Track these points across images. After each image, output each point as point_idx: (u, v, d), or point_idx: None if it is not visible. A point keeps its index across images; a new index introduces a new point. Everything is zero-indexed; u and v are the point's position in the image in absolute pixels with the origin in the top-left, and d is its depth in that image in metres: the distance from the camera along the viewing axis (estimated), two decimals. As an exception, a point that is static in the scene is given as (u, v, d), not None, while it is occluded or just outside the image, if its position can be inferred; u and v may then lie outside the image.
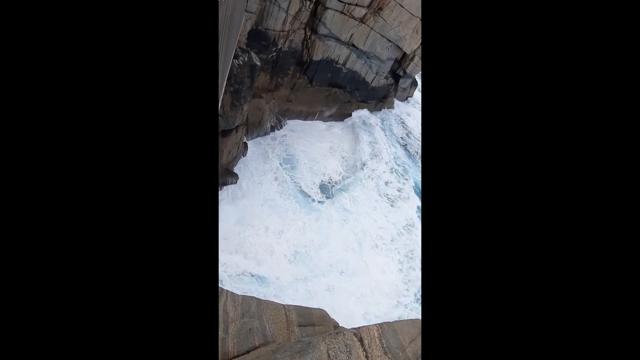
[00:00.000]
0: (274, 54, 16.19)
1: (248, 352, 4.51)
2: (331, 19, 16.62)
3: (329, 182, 16.96)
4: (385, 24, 18.17)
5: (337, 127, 20.43)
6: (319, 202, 15.69)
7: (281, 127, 18.26)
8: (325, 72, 18.60)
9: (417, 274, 14.56)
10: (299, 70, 17.85)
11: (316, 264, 13.34)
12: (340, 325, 5.49)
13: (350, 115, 21.14)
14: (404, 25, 18.75)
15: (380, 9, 17.53)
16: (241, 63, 11.69)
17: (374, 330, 4.06)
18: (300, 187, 15.89)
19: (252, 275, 12.14)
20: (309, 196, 15.69)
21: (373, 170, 18.78)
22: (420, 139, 23.03)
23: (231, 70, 11.35)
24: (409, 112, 24.96)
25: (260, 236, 13.18)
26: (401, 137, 22.60)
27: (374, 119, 22.01)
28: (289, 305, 5.45)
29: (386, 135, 21.69)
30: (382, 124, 22.24)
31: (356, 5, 16.71)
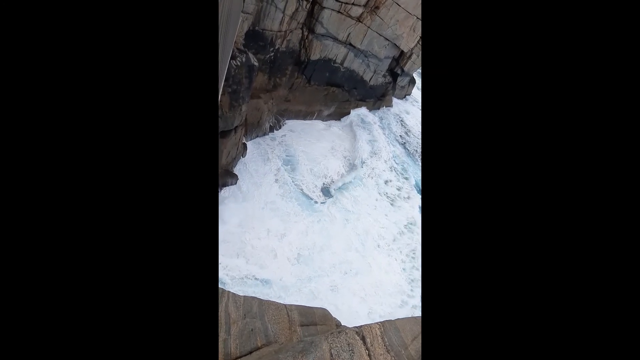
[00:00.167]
0: (272, 54, 16.18)
1: (250, 352, 4.51)
2: (328, 19, 16.61)
3: (330, 182, 16.93)
4: (382, 23, 18.17)
5: (336, 126, 20.43)
6: (320, 203, 15.66)
7: (280, 127, 18.26)
8: (323, 72, 18.60)
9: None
10: (296, 70, 17.84)
11: (319, 266, 13.34)
12: (342, 324, 5.49)
13: (349, 113, 21.14)
14: (401, 24, 18.75)
15: (377, 7, 17.53)
16: (239, 64, 11.69)
17: (376, 329, 4.06)
18: (301, 189, 15.85)
19: (256, 279, 12.14)
20: (311, 198, 15.64)
21: (373, 169, 18.79)
22: (419, 137, 23.03)
23: (229, 71, 11.35)
24: (408, 110, 24.97)
25: (262, 239, 13.17)
26: (400, 136, 22.60)
27: (372, 117, 22.00)
28: (291, 305, 5.45)
29: (385, 134, 21.69)
30: (380, 123, 22.23)
31: (353, 4, 16.71)
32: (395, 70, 22.17)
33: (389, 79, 22.44)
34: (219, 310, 5.09)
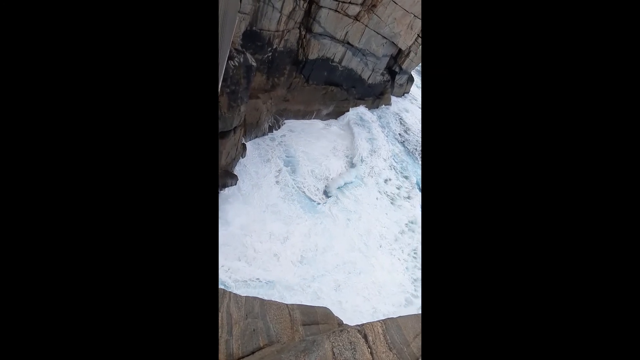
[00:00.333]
0: (270, 54, 16.17)
1: (253, 352, 4.50)
2: (325, 18, 16.59)
3: (331, 182, 16.88)
4: (380, 21, 18.15)
5: (335, 126, 20.41)
6: (322, 204, 15.61)
7: (279, 127, 18.24)
8: (322, 71, 18.58)
9: (425, 272, 14.51)
10: (295, 69, 17.83)
11: (323, 266, 13.34)
12: (344, 323, 5.49)
13: (348, 112, 21.11)
14: (398, 22, 18.73)
15: (374, 6, 17.51)
16: (237, 64, 11.67)
17: (378, 327, 4.06)
18: (303, 190, 15.78)
19: (260, 280, 12.13)
20: (313, 200, 15.58)
21: (372, 167, 18.76)
22: (418, 135, 22.99)
23: (227, 71, 11.33)
24: (407, 109, 24.93)
25: (264, 242, 13.14)
26: (399, 134, 22.56)
27: (371, 116, 21.97)
28: (293, 304, 5.45)
29: (384, 132, 21.66)
30: (379, 121, 22.20)
31: (350, 3, 16.69)
32: (394, 68, 22.14)
33: (387, 77, 22.41)
34: (221, 311, 5.09)
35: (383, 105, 23.24)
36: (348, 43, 18.23)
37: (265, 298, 5.56)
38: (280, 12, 14.99)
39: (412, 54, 21.30)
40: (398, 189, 18.57)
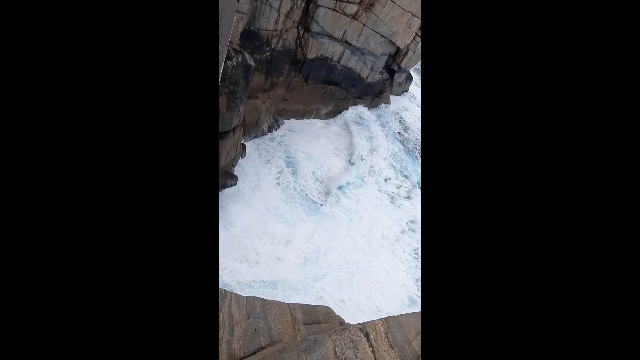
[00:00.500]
0: (268, 53, 16.15)
1: (255, 352, 4.50)
2: (323, 17, 16.57)
3: (332, 182, 16.84)
4: (378, 20, 18.14)
5: (334, 125, 20.39)
6: (323, 204, 15.56)
7: (278, 127, 18.22)
8: (320, 70, 18.57)
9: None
10: (293, 69, 17.81)
11: (326, 267, 13.35)
12: (346, 322, 5.49)
13: (347, 110, 21.09)
14: (396, 20, 18.71)
15: (372, 4, 17.50)
16: (235, 64, 11.66)
17: (380, 325, 4.05)
18: (304, 192, 15.71)
19: (263, 281, 12.14)
20: (315, 202, 15.53)
21: (372, 166, 18.74)
22: (418, 134, 22.97)
23: (225, 71, 11.32)
24: (406, 107, 24.90)
25: (267, 245, 13.12)
26: (398, 133, 22.53)
27: (370, 115, 21.94)
28: (294, 304, 5.44)
29: (383, 131, 21.64)
30: (379, 120, 22.18)
31: (348, 2, 16.68)
32: (392, 67, 22.14)
33: (386, 75, 22.41)
34: (222, 311, 5.08)
35: (382, 104, 23.23)
36: (346, 42, 18.21)
37: (268, 299, 5.56)
38: (278, 11, 14.97)
39: (410, 53, 21.29)
40: (398, 188, 18.55)
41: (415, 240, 15.93)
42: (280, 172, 16.10)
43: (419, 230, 16.35)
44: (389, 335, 3.96)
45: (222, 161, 13.58)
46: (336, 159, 18.36)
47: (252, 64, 12.45)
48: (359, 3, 17.08)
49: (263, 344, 4.58)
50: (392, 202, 17.61)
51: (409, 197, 18.21)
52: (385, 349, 3.83)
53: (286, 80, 17.89)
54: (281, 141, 17.71)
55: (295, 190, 15.55)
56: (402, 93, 25.68)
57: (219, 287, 5.60)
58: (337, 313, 5.61)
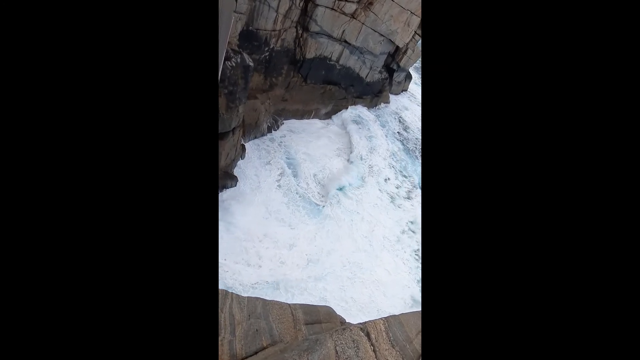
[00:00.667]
0: (267, 53, 16.14)
1: (256, 353, 4.50)
2: (322, 16, 16.56)
3: (333, 183, 16.81)
4: (377, 19, 18.12)
5: (334, 125, 20.38)
6: (325, 206, 15.54)
7: (278, 128, 18.21)
8: (319, 70, 18.56)
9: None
10: (292, 69, 17.80)
11: (328, 268, 13.36)
12: (347, 321, 5.49)
13: (347, 109, 21.07)
14: (395, 19, 18.70)
15: (371, 3, 17.48)
16: (234, 64, 11.66)
17: (380, 324, 4.05)
18: (308, 196, 15.66)
19: (267, 282, 12.15)
20: (317, 204, 15.49)
21: (371, 166, 18.73)
22: (417, 133, 22.93)
23: (225, 72, 11.32)
24: (406, 106, 24.88)
25: (270, 249, 13.11)
26: (398, 132, 22.50)
27: (370, 114, 21.92)
28: (295, 304, 5.44)
29: (383, 131, 21.61)
30: (378, 120, 22.16)
31: (346, 1, 16.66)
32: (391, 66, 22.12)
33: (385, 75, 22.39)
34: (224, 312, 5.08)
35: (382, 104, 23.21)
36: (345, 41, 18.20)
37: (269, 299, 5.56)
38: (277, 11, 14.96)
39: (409, 51, 21.27)
40: (397, 188, 18.53)
41: (414, 241, 15.93)
42: (281, 174, 16.05)
43: (419, 230, 16.35)
44: (390, 335, 3.96)
45: (222, 162, 13.58)
46: (337, 159, 18.34)
47: (251, 64, 12.45)
48: (358, 2, 17.06)
49: (264, 344, 4.59)
50: (392, 202, 17.60)
51: (409, 198, 18.19)
52: (387, 348, 3.83)
53: (285, 81, 17.88)
54: (281, 142, 17.68)
55: (297, 193, 15.50)
56: (402, 92, 25.66)
57: (222, 289, 5.61)
58: (339, 314, 5.61)
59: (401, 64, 21.94)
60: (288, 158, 17.01)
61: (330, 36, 17.56)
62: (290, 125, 18.67)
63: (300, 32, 16.92)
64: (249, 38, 14.87)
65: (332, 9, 16.59)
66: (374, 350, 3.78)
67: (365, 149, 19.46)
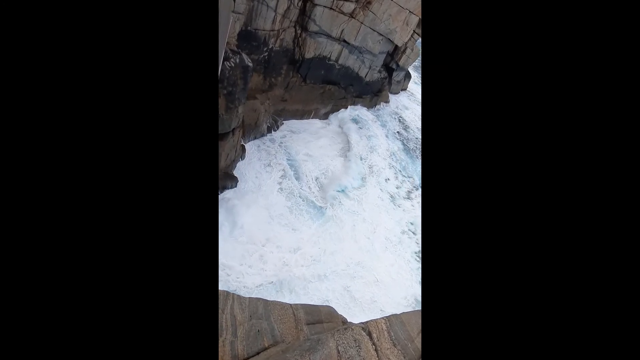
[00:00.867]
0: (266, 54, 16.13)
1: (258, 353, 4.50)
2: (321, 16, 16.55)
3: (334, 184, 16.78)
4: (375, 18, 18.11)
5: (334, 125, 20.36)
6: (328, 207, 15.53)
7: (278, 128, 18.20)
8: (319, 70, 18.55)
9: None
10: (292, 69, 17.79)
11: (331, 269, 13.37)
12: (348, 321, 5.49)
13: (346, 109, 21.05)
14: (394, 18, 18.69)
15: (369, 2, 17.47)
16: (233, 65, 11.65)
17: (382, 324, 4.05)
18: (310, 199, 15.60)
19: (272, 282, 12.16)
20: (321, 206, 15.46)
21: (371, 167, 18.71)
22: (417, 133, 22.89)
23: (224, 72, 11.31)
24: (406, 105, 24.87)
25: (274, 253, 13.10)
26: (397, 132, 22.47)
27: (369, 114, 21.89)
28: (296, 304, 5.44)
29: (382, 131, 21.59)
30: (378, 119, 22.14)
31: (345, 0, 16.64)
32: (391, 65, 22.11)
33: (384, 74, 22.38)
34: (225, 312, 5.08)
35: (382, 103, 23.20)
36: (344, 41, 18.19)
37: (271, 299, 5.56)
38: (275, 11, 14.95)
39: (408, 50, 21.27)
40: (397, 188, 18.51)
41: (414, 242, 15.93)
42: (282, 176, 15.99)
43: (419, 232, 16.36)
44: (392, 334, 3.96)
45: (222, 163, 13.58)
46: (338, 159, 18.33)
47: (250, 64, 12.44)
48: (356, 1, 17.05)
49: (266, 345, 4.58)
50: (393, 202, 17.59)
51: (409, 198, 18.17)
52: (388, 347, 3.83)
53: (285, 81, 17.87)
54: (281, 142, 17.65)
55: (300, 197, 15.46)
56: (401, 91, 25.66)
57: (223, 290, 5.60)
58: (342, 314, 5.61)
59: (400, 63, 21.93)
60: (289, 159, 16.98)
61: (329, 36, 17.55)
62: (290, 125, 18.65)
63: (299, 31, 16.92)
64: (248, 38, 14.86)
65: (331, 8, 16.58)
66: (376, 350, 3.78)
67: (365, 148, 19.44)
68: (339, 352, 3.70)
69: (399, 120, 23.32)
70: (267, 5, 14.51)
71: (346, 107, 21.04)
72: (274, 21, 15.25)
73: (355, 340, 3.83)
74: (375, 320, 4.15)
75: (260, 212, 14.10)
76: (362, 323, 4.21)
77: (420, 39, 20.77)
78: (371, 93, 22.31)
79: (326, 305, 5.71)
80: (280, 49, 16.66)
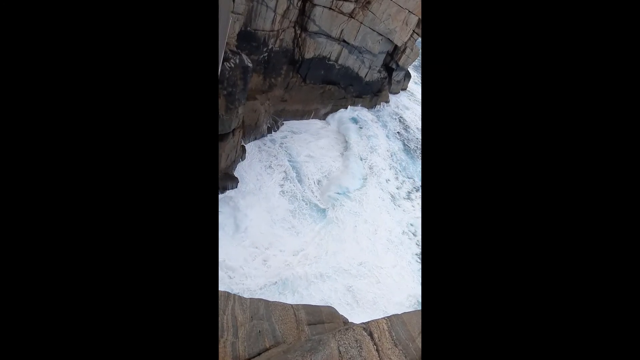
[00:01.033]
0: (266, 54, 16.14)
1: (259, 354, 4.49)
2: (320, 16, 16.56)
3: (335, 185, 16.75)
4: (375, 18, 18.12)
5: (334, 125, 20.37)
6: (328, 208, 15.52)
7: (278, 128, 18.21)
8: (318, 70, 18.55)
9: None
10: (291, 69, 17.80)
11: (333, 269, 13.38)
12: (349, 321, 5.48)
13: (346, 109, 21.05)
14: (394, 18, 18.69)
15: (369, 2, 17.48)
16: (233, 65, 11.65)
17: (383, 324, 4.05)
18: (312, 202, 15.58)
19: (276, 283, 12.18)
20: (323, 208, 15.46)
21: (371, 167, 18.70)
22: (417, 133, 22.88)
23: (224, 73, 11.32)
24: (406, 105, 24.86)
25: (277, 256, 13.11)
26: (398, 132, 22.46)
27: (369, 114, 21.88)
28: (298, 304, 5.44)
29: (382, 131, 21.57)
30: (378, 120, 22.13)
31: (344, 0, 16.65)
32: (390, 65, 22.11)
33: (384, 74, 22.38)
34: (226, 313, 5.08)
35: (382, 103, 23.20)
36: (344, 41, 18.19)
37: (272, 300, 5.56)
38: (275, 11, 14.96)
39: (408, 50, 21.27)
40: (397, 189, 18.50)
41: (414, 243, 15.93)
42: (284, 178, 15.92)
43: (419, 233, 16.35)
44: (393, 334, 3.96)
45: (222, 163, 13.59)
46: (338, 159, 18.32)
47: (250, 65, 12.44)
48: (356, 1, 17.06)
49: (267, 345, 4.58)
50: (394, 202, 17.58)
51: (409, 198, 18.16)
52: (389, 347, 3.83)
53: (284, 81, 17.88)
54: (282, 143, 17.63)
55: (303, 200, 15.40)
56: (401, 91, 25.67)
57: (224, 291, 5.60)
58: (344, 314, 5.61)
59: (400, 63, 21.94)
60: (290, 160, 16.95)
61: (328, 36, 17.56)
62: (290, 125, 18.65)
63: (298, 32, 16.92)
64: (248, 39, 14.87)
65: (330, 8, 16.58)
66: (377, 350, 3.77)
67: (366, 149, 19.43)
68: (340, 353, 3.69)
69: (399, 120, 23.30)
70: (267, 6, 14.52)
71: (346, 107, 21.03)
72: (273, 21, 15.25)
73: (356, 341, 3.83)
74: (377, 321, 4.15)
75: (262, 215, 14.09)
76: (363, 323, 4.21)
77: (420, 39, 20.78)
78: (371, 93, 22.31)
79: (327, 306, 5.70)
80: (280, 49, 16.66)
